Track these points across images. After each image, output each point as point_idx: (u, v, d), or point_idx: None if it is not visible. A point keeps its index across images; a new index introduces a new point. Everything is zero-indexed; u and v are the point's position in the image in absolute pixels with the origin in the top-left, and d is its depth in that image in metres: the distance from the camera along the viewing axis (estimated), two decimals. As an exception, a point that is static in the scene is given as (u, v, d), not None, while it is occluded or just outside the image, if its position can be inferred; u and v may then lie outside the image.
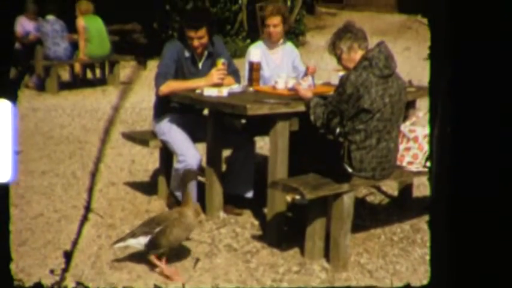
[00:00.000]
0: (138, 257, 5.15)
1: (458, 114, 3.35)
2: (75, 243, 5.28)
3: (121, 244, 5.03)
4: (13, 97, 3.56)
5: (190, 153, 5.84)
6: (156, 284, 4.66)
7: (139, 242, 4.93)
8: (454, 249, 3.43)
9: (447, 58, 3.39)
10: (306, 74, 6.30)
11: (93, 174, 7.07)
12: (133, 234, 4.98)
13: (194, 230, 5.18)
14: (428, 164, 5.29)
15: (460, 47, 3.34)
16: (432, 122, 3.60)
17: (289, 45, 6.88)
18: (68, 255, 4.96)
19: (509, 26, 3.28)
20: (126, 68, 14.37)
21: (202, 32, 5.91)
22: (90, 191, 6.58)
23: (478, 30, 3.31)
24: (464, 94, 3.34)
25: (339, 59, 5.25)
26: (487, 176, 3.35)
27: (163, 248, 4.91)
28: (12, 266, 4.86)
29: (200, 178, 5.99)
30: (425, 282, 3.90)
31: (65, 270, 4.78)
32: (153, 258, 4.93)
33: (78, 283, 4.56)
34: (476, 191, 3.36)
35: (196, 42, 5.94)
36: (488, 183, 3.35)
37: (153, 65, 13.38)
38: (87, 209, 6.00)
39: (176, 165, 5.92)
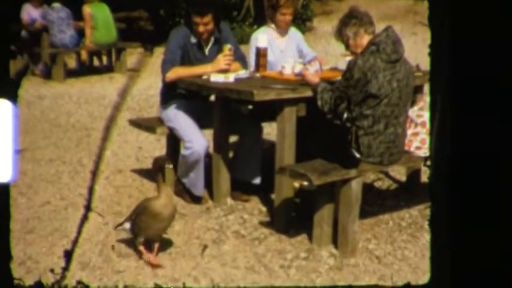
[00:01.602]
0: (146, 245, 5.15)
1: (458, 106, 3.33)
2: (75, 242, 5.27)
3: (120, 228, 5.05)
4: (13, 97, 3.55)
5: (197, 140, 5.82)
6: (156, 284, 4.64)
7: (126, 227, 4.98)
8: (454, 249, 3.42)
9: (446, 54, 3.37)
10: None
11: (94, 173, 7.05)
12: (126, 218, 5.04)
13: (171, 218, 4.90)
14: (428, 163, 5.27)
15: (460, 37, 3.32)
16: (432, 114, 3.59)
17: (293, 29, 6.82)
18: (69, 255, 4.95)
19: (509, 17, 3.25)
20: (132, 55, 14.35)
21: (208, 18, 5.89)
22: (90, 190, 6.56)
23: (479, 21, 3.29)
24: (464, 85, 3.32)
25: (347, 46, 5.23)
26: (487, 169, 3.33)
27: (142, 236, 4.87)
28: (20, 254, 4.91)
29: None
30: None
31: (66, 269, 4.77)
32: (139, 245, 4.94)
33: (79, 282, 4.54)
34: (477, 185, 3.35)
35: (201, 28, 5.92)
36: (488, 176, 3.33)
37: (159, 52, 13.37)
38: (88, 208, 5.99)
39: (183, 151, 5.90)
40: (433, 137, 3.60)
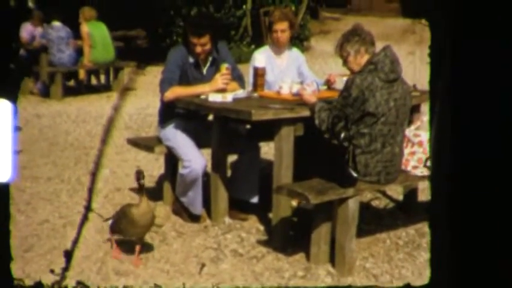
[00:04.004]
0: (144, 262, 5.17)
1: (458, 115, 3.35)
2: (75, 241, 5.30)
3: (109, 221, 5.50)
4: (13, 97, 3.56)
5: (195, 159, 5.84)
6: (156, 284, 4.66)
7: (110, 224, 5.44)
8: (454, 250, 3.43)
9: (446, 59, 3.39)
10: (329, 85, 6.34)
11: (94, 174, 7.07)
12: (112, 216, 5.47)
13: (148, 225, 5.20)
14: (428, 163, 5.30)
15: (460, 47, 3.34)
16: (431, 123, 3.61)
17: (295, 51, 6.86)
18: (68, 255, 4.96)
19: (508, 26, 3.28)
20: (130, 74, 14.39)
21: (206, 39, 5.91)
22: (90, 190, 6.58)
23: (478, 30, 3.31)
24: (463, 95, 3.34)
25: (345, 61, 5.26)
26: (487, 176, 3.35)
27: (119, 235, 5.30)
28: (18, 272, 4.91)
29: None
30: (430, 286, 3.90)
31: (66, 269, 4.78)
32: (112, 240, 5.40)
33: (79, 282, 4.56)
34: (476, 191, 3.36)
35: (199, 49, 5.95)
36: (488, 182, 3.35)
37: (157, 71, 13.40)
38: (87, 208, 6.01)
39: (181, 170, 5.92)
40: (432, 139, 3.62)
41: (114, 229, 5.30)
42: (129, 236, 5.26)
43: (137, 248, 5.22)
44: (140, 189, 5.15)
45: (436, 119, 3.51)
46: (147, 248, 5.48)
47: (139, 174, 5.14)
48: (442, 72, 3.44)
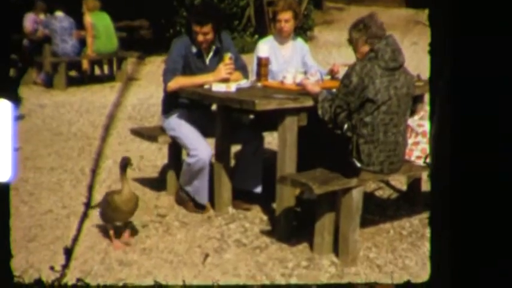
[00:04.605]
0: (148, 253, 5.17)
1: (458, 111, 3.34)
2: (75, 239, 5.30)
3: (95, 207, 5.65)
4: (13, 96, 3.56)
5: (202, 147, 5.83)
6: (156, 281, 4.65)
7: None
8: (454, 248, 3.42)
9: (447, 55, 3.38)
10: (333, 75, 6.33)
11: (93, 171, 7.07)
12: (98, 204, 5.55)
13: (131, 211, 5.34)
14: (428, 160, 5.29)
15: (460, 43, 3.33)
16: (431, 119, 3.60)
17: (300, 41, 6.85)
18: (68, 252, 4.96)
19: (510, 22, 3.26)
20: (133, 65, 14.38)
21: (208, 28, 5.90)
22: (90, 188, 6.59)
23: (479, 26, 3.30)
24: (463, 93, 3.33)
25: (351, 46, 5.28)
26: (487, 173, 3.34)
27: (109, 224, 5.37)
28: (22, 262, 4.92)
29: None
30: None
31: (65, 266, 4.78)
32: (109, 231, 5.39)
33: (79, 279, 4.55)
34: (476, 188, 3.35)
35: (200, 37, 5.93)
36: (488, 179, 3.34)
37: (160, 61, 13.40)
38: (87, 205, 6.01)
39: (188, 159, 5.90)
40: (432, 138, 3.61)
41: (102, 218, 5.41)
42: (113, 222, 5.37)
43: (126, 233, 5.39)
44: (123, 176, 5.27)
45: (436, 118, 3.50)
46: (147, 236, 5.49)
47: (125, 161, 5.27)
48: (442, 72, 3.43)
